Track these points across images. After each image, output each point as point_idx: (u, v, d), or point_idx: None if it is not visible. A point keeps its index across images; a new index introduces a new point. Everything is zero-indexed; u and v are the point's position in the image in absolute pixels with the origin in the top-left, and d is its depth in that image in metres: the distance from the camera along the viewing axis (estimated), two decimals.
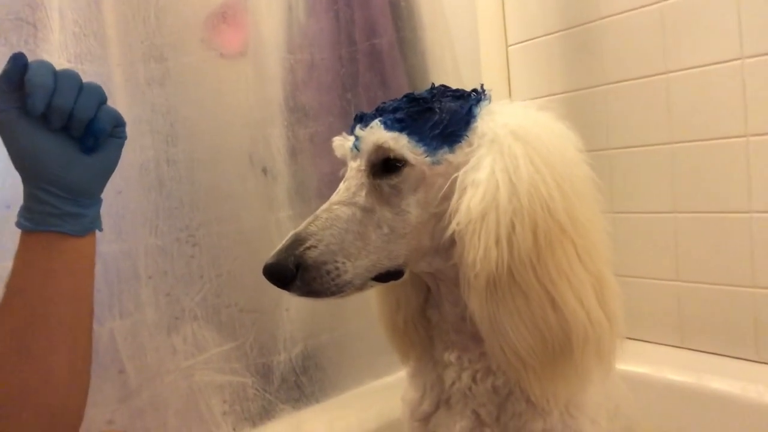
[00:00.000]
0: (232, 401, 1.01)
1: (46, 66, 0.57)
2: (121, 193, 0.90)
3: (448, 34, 1.31)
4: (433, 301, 0.69)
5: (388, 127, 0.58)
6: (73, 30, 0.86)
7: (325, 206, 0.60)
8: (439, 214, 0.59)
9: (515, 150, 0.55)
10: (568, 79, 1.34)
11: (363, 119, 0.61)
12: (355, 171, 0.61)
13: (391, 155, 0.58)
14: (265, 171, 1.08)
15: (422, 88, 0.65)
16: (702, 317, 1.17)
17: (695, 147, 1.14)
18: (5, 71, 0.56)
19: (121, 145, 0.64)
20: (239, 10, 1.06)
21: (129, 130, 0.65)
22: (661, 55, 1.17)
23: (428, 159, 0.58)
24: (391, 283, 0.63)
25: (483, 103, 0.61)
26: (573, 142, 0.59)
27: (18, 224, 0.59)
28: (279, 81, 1.10)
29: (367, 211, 0.59)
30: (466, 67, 1.35)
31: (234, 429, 1.00)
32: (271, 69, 1.09)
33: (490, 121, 0.59)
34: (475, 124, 0.59)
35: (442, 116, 0.59)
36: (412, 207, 0.59)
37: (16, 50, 0.80)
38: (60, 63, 0.83)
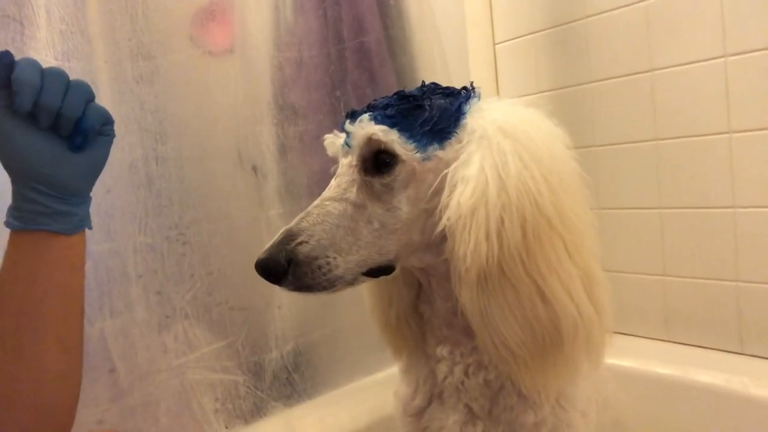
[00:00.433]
0: (224, 399, 1.01)
1: (33, 64, 0.56)
2: (110, 192, 0.89)
3: (436, 32, 1.32)
4: (425, 296, 0.69)
5: (379, 121, 0.59)
6: (60, 27, 0.85)
7: (316, 202, 0.60)
8: (430, 209, 0.59)
9: (504, 146, 0.56)
10: (555, 76, 1.35)
11: (354, 116, 0.62)
12: (346, 167, 0.61)
13: (382, 147, 0.58)
14: (254, 169, 1.08)
15: (411, 85, 0.65)
16: (687, 311, 1.19)
17: (680, 143, 1.16)
18: None
19: (110, 143, 0.64)
20: (227, 7, 1.05)
21: (117, 128, 0.65)
22: (646, 53, 1.18)
23: (418, 155, 0.59)
24: (383, 278, 0.64)
25: (472, 101, 0.62)
26: (561, 139, 0.60)
27: (6, 223, 0.58)
28: (267, 78, 1.10)
29: (358, 207, 0.59)
30: (454, 65, 1.36)
31: (226, 427, 1.00)
32: (259, 66, 1.09)
33: (479, 117, 0.60)
34: (465, 121, 0.60)
35: (432, 113, 0.59)
36: (403, 203, 0.59)
37: (2, 48, 0.80)
38: (47, 60, 0.82)
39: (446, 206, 0.57)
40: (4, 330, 0.58)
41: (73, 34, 0.87)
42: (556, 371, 0.57)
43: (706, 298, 1.15)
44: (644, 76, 1.19)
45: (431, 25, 1.31)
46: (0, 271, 0.59)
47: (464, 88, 0.64)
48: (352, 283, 0.60)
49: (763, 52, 1.03)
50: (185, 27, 1.01)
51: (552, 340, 0.55)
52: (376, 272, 0.61)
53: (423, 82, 0.65)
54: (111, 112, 0.63)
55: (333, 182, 0.62)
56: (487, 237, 0.54)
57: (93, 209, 0.87)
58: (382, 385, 0.96)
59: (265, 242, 0.58)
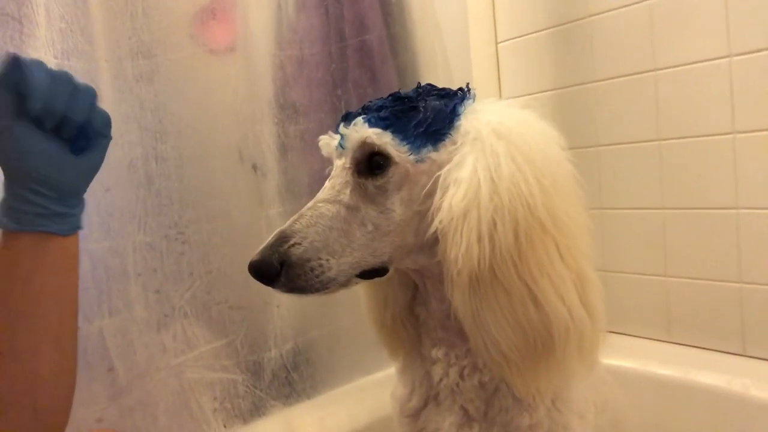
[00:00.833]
0: (222, 398, 1.01)
1: (42, 67, 0.56)
2: (110, 191, 0.89)
3: (438, 31, 1.31)
4: (421, 298, 0.69)
5: (372, 124, 0.59)
6: (59, 26, 0.85)
7: (310, 204, 0.60)
8: (423, 211, 0.59)
9: (497, 148, 0.56)
10: (558, 76, 1.34)
11: (348, 118, 0.62)
12: (340, 169, 0.61)
13: (376, 149, 0.58)
14: (255, 168, 1.08)
15: (412, 84, 0.65)
16: (689, 312, 1.18)
17: (683, 144, 1.15)
18: (2, 73, 0.55)
19: (107, 145, 0.64)
20: (228, 5, 1.05)
21: (117, 126, 0.65)
22: (650, 52, 1.18)
23: (412, 157, 0.58)
24: (377, 279, 0.63)
25: (467, 102, 0.62)
26: (555, 140, 0.60)
27: (1, 224, 0.58)
28: (269, 77, 1.09)
29: (351, 208, 0.59)
30: (456, 64, 1.35)
31: (225, 426, 1.00)
32: (260, 65, 1.08)
33: (473, 119, 0.59)
34: (459, 123, 0.60)
35: (427, 115, 0.59)
36: (397, 205, 0.59)
37: (2, 46, 0.80)
38: (47, 59, 0.82)
39: (438, 208, 0.56)
40: (1, 330, 0.58)
41: (73, 32, 0.87)
42: (548, 374, 0.57)
43: (708, 300, 1.14)
44: (648, 75, 1.19)
45: (433, 23, 1.31)
46: None
47: (460, 89, 0.63)
48: (345, 285, 0.60)
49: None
50: (186, 25, 1.01)
51: (544, 344, 0.55)
52: (369, 274, 0.61)
53: (419, 83, 0.65)
54: (111, 111, 0.64)
55: (327, 184, 0.62)
56: (479, 240, 0.54)
57: (92, 208, 0.87)
58: (381, 384, 0.96)
59: (264, 241, 0.58)
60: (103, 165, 0.65)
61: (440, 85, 0.65)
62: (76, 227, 0.62)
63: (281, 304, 1.08)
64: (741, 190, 1.08)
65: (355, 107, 0.64)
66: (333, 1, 1.17)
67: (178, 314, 0.96)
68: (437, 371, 0.67)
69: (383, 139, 0.58)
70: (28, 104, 0.54)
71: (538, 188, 0.55)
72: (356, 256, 0.59)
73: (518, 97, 1.42)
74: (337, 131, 0.63)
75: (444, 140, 0.59)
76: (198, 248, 0.99)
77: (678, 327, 1.20)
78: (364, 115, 0.60)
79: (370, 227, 0.59)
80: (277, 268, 0.55)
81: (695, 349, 1.17)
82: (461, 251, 0.54)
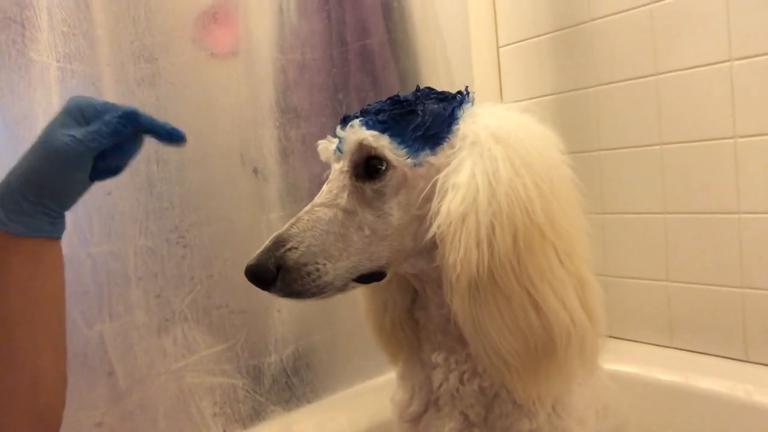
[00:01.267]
0: (222, 403, 1.01)
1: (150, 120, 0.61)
2: (111, 194, 0.90)
3: (440, 35, 1.31)
4: (420, 302, 0.69)
5: (370, 126, 0.58)
6: (62, 29, 0.85)
7: (307, 208, 0.60)
8: (421, 216, 0.59)
9: (495, 152, 0.55)
10: (559, 80, 1.34)
11: (346, 121, 0.62)
12: (337, 173, 0.61)
13: (373, 152, 0.58)
14: (256, 171, 1.08)
15: (413, 88, 0.65)
16: (691, 317, 1.17)
17: (685, 148, 1.15)
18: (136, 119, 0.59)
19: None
20: (230, 9, 1.05)
21: None
22: (652, 56, 1.17)
23: (410, 161, 0.58)
24: (376, 284, 0.63)
25: (466, 106, 0.61)
26: (554, 144, 0.59)
27: (11, 230, 0.57)
28: (270, 81, 1.10)
29: (348, 213, 0.59)
30: (458, 68, 1.35)
31: (224, 431, 1.00)
32: (262, 69, 1.09)
33: (471, 123, 0.59)
34: (457, 127, 0.59)
35: (425, 118, 0.59)
36: (394, 209, 0.59)
37: (4, 49, 0.80)
38: (48, 63, 0.83)
39: (436, 213, 0.56)
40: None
41: (75, 36, 0.87)
42: (549, 379, 0.57)
43: (710, 305, 1.14)
44: (649, 79, 1.18)
45: (435, 27, 1.31)
46: None
47: (459, 92, 0.63)
48: (342, 289, 0.59)
49: None
50: (188, 29, 1.01)
51: (545, 349, 0.55)
52: (367, 278, 0.61)
53: (418, 86, 0.65)
54: None
55: (324, 188, 0.62)
56: (478, 245, 0.53)
57: (93, 211, 0.87)
58: (382, 389, 0.95)
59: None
60: None
61: (441, 90, 0.65)
62: (64, 230, 0.62)
63: (282, 308, 1.08)
64: (743, 195, 1.07)
65: (355, 111, 0.64)
66: (335, 6, 1.18)
67: (178, 318, 0.96)
68: (437, 376, 0.66)
69: (380, 141, 0.58)
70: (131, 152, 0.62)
71: (537, 193, 0.54)
72: (353, 260, 0.58)
73: (519, 101, 1.42)
74: (336, 135, 0.63)
75: (442, 144, 0.59)
76: (199, 252, 0.99)
77: (680, 332, 1.20)
78: (362, 118, 0.59)
79: (367, 231, 0.59)
80: (273, 273, 0.55)
81: (697, 354, 1.17)
82: (460, 256, 0.53)
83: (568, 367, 0.56)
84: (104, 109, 0.59)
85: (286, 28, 1.12)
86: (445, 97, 0.62)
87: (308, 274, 0.56)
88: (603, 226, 1.28)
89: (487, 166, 0.55)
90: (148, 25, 0.94)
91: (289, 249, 0.56)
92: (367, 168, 0.59)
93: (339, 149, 0.61)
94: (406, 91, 0.64)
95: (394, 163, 0.58)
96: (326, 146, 0.64)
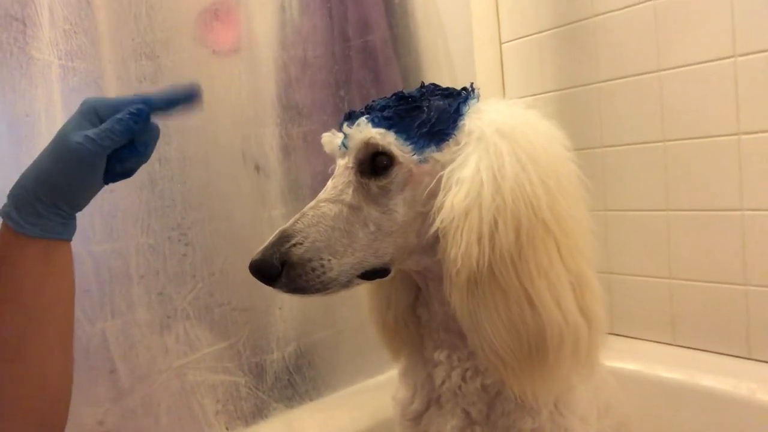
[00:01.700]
0: (224, 400, 1.01)
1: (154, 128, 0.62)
2: (113, 192, 0.89)
3: (442, 31, 1.31)
4: (423, 299, 0.69)
5: (376, 124, 0.58)
6: (63, 27, 0.85)
7: (312, 204, 0.60)
8: (426, 212, 0.59)
9: (501, 148, 0.55)
10: (562, 76, 1.34)
11: (351, 117, 0.61)
12: (342, 169, 0.61)
13: (379, 149, 0.58)
14: (257, 169, 1.07)
15: (416, 85, 0.65)
16: (694, 314, 1.17)
17: (688, 145, 1.14)
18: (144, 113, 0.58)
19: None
20: (232, 6, 1.05)
21: None
22: (655, 52, 1.17)
23: (415, 157, 0.58)
24: (380, 280, 0.63)
25: (471, 102, 0.61)
26: (560, 140, 0.59)
27: (26, 231, 0.56)
28: (272, 78, 1.09)
29: (353, 208, 0.59)
30: (460, 65, 1.35)
31: (227, 428, 1.00)
32: (264, 66, 1.08)
33: (477, 119, 0.59)
34: (463, 123, 0.59)
35: (430, 114, 0.59)
36: (399, 206, 0.59)
37: (5, 47, 0.80)
38: (50, 60, 0.83)
39: (440, 208, 0.56)
40: (9, 337, 0.57)
41: (77, 33, 0.87)
42: (542, 378, 0.56)
43: (713, 302, 1.14)
44: (652, 76, 1.18)
45: (437, 24, 1.31)
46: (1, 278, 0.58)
47: (464, 88, 0.63)
48: (346, 285, 0.59)
49: None
50: (189, 27, 1.01)
51: (538, 347, 0.54)
52: (371, 275, 0.61)
53: (422, 82, 0.65)
54: None
55: (329, 183, 0.61)
56: (479, 240, 0.53)
57: (95, 209, 0.87)
58: (384, 387, 0.96)
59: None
60: None
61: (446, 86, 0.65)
62: (74, 230, 0.62)
63: (284, 306, 1.08)
64: (746, 192, 1.07)
65: (358, 108, 0.64)
66: (337, 3, 1.17)
67: (180, 316, 0.96)
68: (439, 374, 0.66)
69: (387, 139, 0.57)
70: (146, 154, 0.61)
71: (543, 189, 0.54)
72: (358, 256, 0.58)
73: (522, 97, 1.42)
74: (340, 130, 0.63)
75: (447, 140, 0.59)
76: (201, 250, 0.99)
77: (682, 330, 1.20)
78: (368, 115, 0.59)
79: (372, 227, 0.59)
80: (278, 268, 0.55)
81: (700, 352, 1.16)
82: (461, 251, 0.53)
83: (560, 368, 0.56)
84: (119, 105, 0.58)
85: (288, 25, 1.12)
86: (450, 93, 0.62)
87: (313, 269, 0.56)
88: (605, 223, 1.28)
89: (492, 162, 0.55)
90: (150, 23, 0.94)
91: (294, 244, 0.56)
92: (373, 164, 0.59)
93: (344, 145, 0.61)
94: (409, 88, 0.64)
95: (400, 159, 0.58)
96: (330, 139, 0.64)
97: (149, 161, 0.92)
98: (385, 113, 0.59)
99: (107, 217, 0.89)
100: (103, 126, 0.57)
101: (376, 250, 0.59)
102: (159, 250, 0.94)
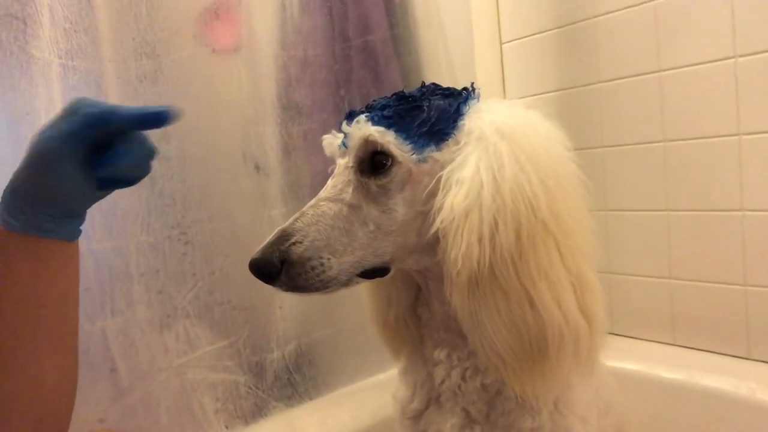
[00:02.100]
0: (224, 399, 1.01)
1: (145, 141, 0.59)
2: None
3: (443, 31, 1.31)
4: (423, 298, 0.69)
5: (375, 122, 0.58)
6: (63, 26, 0.85)
7: (312, 202, 0.60)
8: (425, 212, 0.59)
9: (501, 148, 0.55)
10: (562, 76, 1.34)
11: (352, 116, 0.61)
12: (342, 168, 0.61)
13: (378, 148, 0.58)
14: (257, 168, 1.07)
15: (416, 85, 0.65)
16: (694, 315, 1.17)
17: (688, 145, 1.14)
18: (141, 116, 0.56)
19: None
20: (232, 5, 1.05)
21: None
22: (655, 53, 1.17)
23: (415, 156, 0.58)
24: (380, 279, 0.63)
25: (471, 102, 0.61)
26: (560, 141, 0.59)
27: (13, 227, 0.56)
28: (272, 77, 1.09)
29: (353, 208, 0.59)
30: (461, 65, 1.35)
31: (226, 427, 1.00)
32: (264, 65, 1.08)
33: (477, 119, 0.59)
34: (463, 122, 0.59)
35: (430, 114, 0.59)
36: (399, 205, 0.59)
37: (5, 46, 0.80)
38: (50, 59, 0.83)
39: (440, 208, 0.56)
40: (3, 338, 0.57)
41: (77, 32, 0.87)
42: (543, 378, 0.56)
43: (713, 302, 1.14)
44: (652, 76, 1.18)
45: (437, 24, 1.31)
46: None
47: (464, 88, 0.63)
48: (346, 284, 0.59)
49: None
50: (190, 26, 1.01)
51: (539, 347, 0.54)
52: (371, 274, 0.61)
53: (423, 82, 0.65)
54: None
55: (329, 182, 0.61)
56: (480, 240, 0.53)
57: (95, 208, 0.86)
58: (384, 386, 0.96)
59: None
60: None
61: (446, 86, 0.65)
62: (79, 233, 0.62)
63: (284, 305, 1.08)
64: (746, 192, 1.07)
65: (358, 108, 0.64)
66: (337, 2, 1.17)
67: (180, 315, 0.96)
68: (439, 373, 0.66)
69: (386, 137, 0.58)
70: (145, 168, 0.58)
71: (542, 189, 0.54)
72: (358, 255, 0.58)
73: (522, 98, 1.42)
74: (340, 130, 0.63)
75: (447, 140, 0.59)
76: (201, 249, 0.99)
77: (682, 330, 1.20)
78: (368, 114, 0.59)
79: (372, 227, 0.59)
80: (277, 267, 0.55)
81: (700, 352, 1.16)
82: (461, 251, 0.53)
83: (561, 367, 0.56)
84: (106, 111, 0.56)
85: (288, 24, 1.12)
86: (450, 93, 0.62)
87: (312, 268, 0.56)
88: (606, 223, 1.28)
89: (492, 162, 0.55)
90: (150, 22, 0.94)
91: (294, 243, 0.56)
92: (373, 163, 0.59)
93: (344, 144, 0.61)
94: (409, 88, 0.64)
95: (400, 158, 0.58)
96: (331, 141, 0.64)
97: None
98: (386, 112, 0.59)
99: (107, 216, 0.89)
100: (68, 118, 0.55)
101: (376, 249, 0.59)
102: (159, 248, 0.94)
